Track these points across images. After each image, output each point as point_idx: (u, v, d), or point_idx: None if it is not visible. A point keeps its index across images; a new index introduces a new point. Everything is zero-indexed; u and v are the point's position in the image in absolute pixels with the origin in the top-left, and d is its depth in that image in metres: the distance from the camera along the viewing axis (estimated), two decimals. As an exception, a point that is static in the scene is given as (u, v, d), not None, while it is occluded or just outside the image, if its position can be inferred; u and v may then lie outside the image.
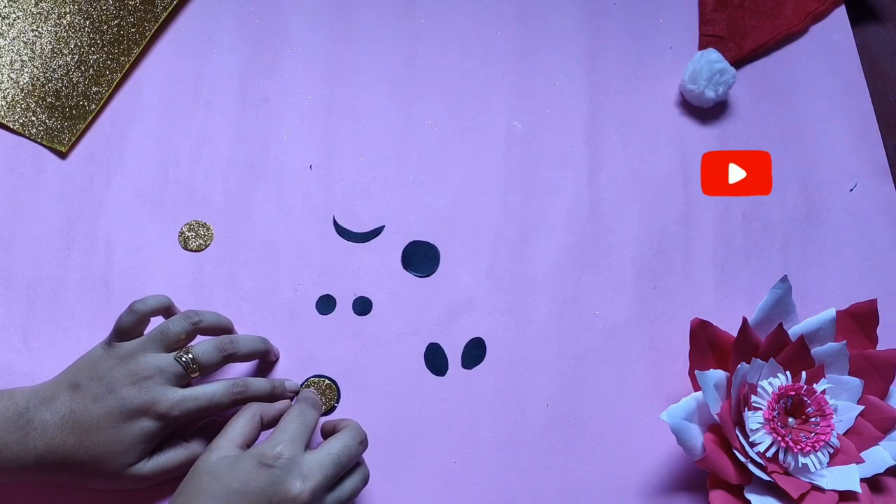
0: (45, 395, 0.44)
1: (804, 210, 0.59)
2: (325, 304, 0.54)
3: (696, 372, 0.47)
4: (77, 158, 0.57)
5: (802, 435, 0.47)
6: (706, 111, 0.61)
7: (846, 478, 0.47)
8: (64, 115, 0.58)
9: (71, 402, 0.44)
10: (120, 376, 0.45)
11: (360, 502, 0.49)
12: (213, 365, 0.47)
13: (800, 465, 0.47)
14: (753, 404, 0.48)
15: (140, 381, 0.45)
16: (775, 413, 0.47)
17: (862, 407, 0.49)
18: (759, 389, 0.48)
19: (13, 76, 0.58)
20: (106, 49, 0.60)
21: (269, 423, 0.47)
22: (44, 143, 0.57)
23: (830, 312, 0.50)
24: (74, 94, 0.58)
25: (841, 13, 0.65)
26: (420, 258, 0.56)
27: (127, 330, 0.47)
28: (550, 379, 0.53)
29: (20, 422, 0.43)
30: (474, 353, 0.54)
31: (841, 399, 0.50)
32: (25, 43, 0.59)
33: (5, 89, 0.58)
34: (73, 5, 0.61)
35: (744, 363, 0.48)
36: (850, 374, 0.50)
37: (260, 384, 0.49)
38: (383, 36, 0.62)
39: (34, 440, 0.43)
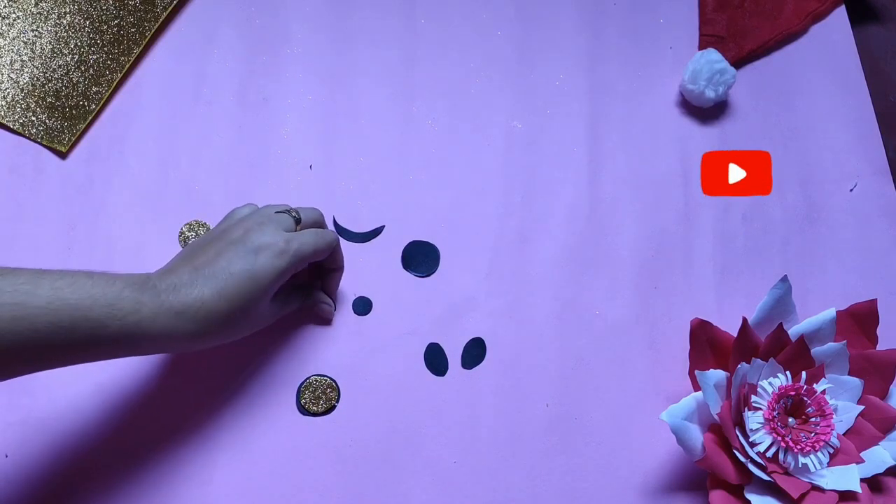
0: (164, 270, 0.44)
1: (804, 210, 0.59)
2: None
3: (696, 372, 0.47)
4: (77, 158, 0.57)
5: (802, 435, 0.47)
6: (706, 111, 0.61)
7: (846, 478, 0.47)
8: (64, 115, 0.58)
9: (192, 271, 0.43)
10: (239, 229, 0.46)
11: (361, 502, 0.49)
12: (311, 224, 0.50)
13: (800, 465, 0.47)
14: (753, 404, 0.48)
15: (259, 226, 0.46)
16: (775, 413, 0.47)
17: (862, 407, 0.49)
18: (759, 389, 0.48)
19: (13, 76, 0.58)
20: (106, 49, 0.60)
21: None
22: (44, 143, 0.57)
23: (830, 312, 0.50)
24: (74, 94, 0.58)
25: (841, 13, 0.65)
26: (420, 258, 0.56)
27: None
28: (550, 379, 0.53)
29: (147, 285, 0.41)
30: (474, 353, 0.54)
31: (841, 399, 0.50)
32: (25, 43, 0.59)
33: (5, 89, 0.58)
34: (73, 5, 0.61)
35: (744, 363, 0.48)
36: (850, 374, 0.50)
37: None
38: (383, 36, 0.62)
39: (168, 299, 0.41)
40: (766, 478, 0.47)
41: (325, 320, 0.53)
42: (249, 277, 0.44)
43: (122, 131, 0.58)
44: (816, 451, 0.47)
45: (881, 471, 0.48)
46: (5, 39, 0.59)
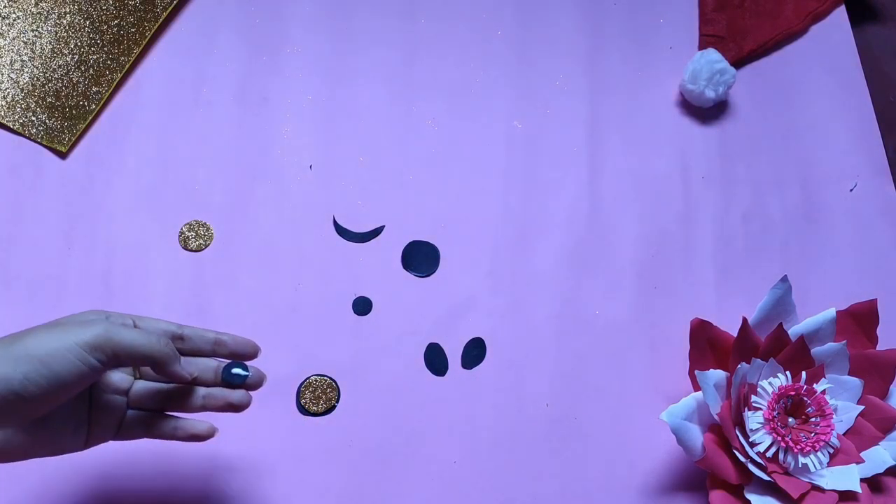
0: None
1: (804, 210, 0.59)
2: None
3: (696, 372, 0.47)
4: (77, 158, 0.57)
5: (802, 435, 0.47)
6: (706, 111, 0.61)
7: (846, 478, 0.47)
8: (64, 115, 0.58)
9: None
10: None
11: (361, 502, 0.49)
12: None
13: (800, 465, 0.47)
14: (753, 404, 0.48)
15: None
16: (775, 413, 0.47)
17: (862, 407, 0.49)
18: (759, 389, 0.48)
19: (13, 76, 0.58)
20: (106, 49, 0.60)
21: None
22: (44, 143, 0.57)
23: (830, 312, 0.50)
24: (74, 94, 0.58)
25: (841, 13, 0.65)
26: (420, 258, 0.56)
27: None
28: (550, 379, 0.53)
29: None
30: (474, 353, 0.54)
31: (841, 399, 0.50)
32: (25, 43, 0.59)
33: (5, 89, 0.58)
34: (73, 5, 0.61)
35: (744, 363, 0.48)
36: (850, 374, 0.50)
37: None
38: (383, 36, 0.62)
39: None
40: (766, 478, 0.47)
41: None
42: None
43: (122, 131, 0.58)
44: (816, 451, 0.47)
45: (881, 471, 0.48)
46: (5, 39, 0.59)
